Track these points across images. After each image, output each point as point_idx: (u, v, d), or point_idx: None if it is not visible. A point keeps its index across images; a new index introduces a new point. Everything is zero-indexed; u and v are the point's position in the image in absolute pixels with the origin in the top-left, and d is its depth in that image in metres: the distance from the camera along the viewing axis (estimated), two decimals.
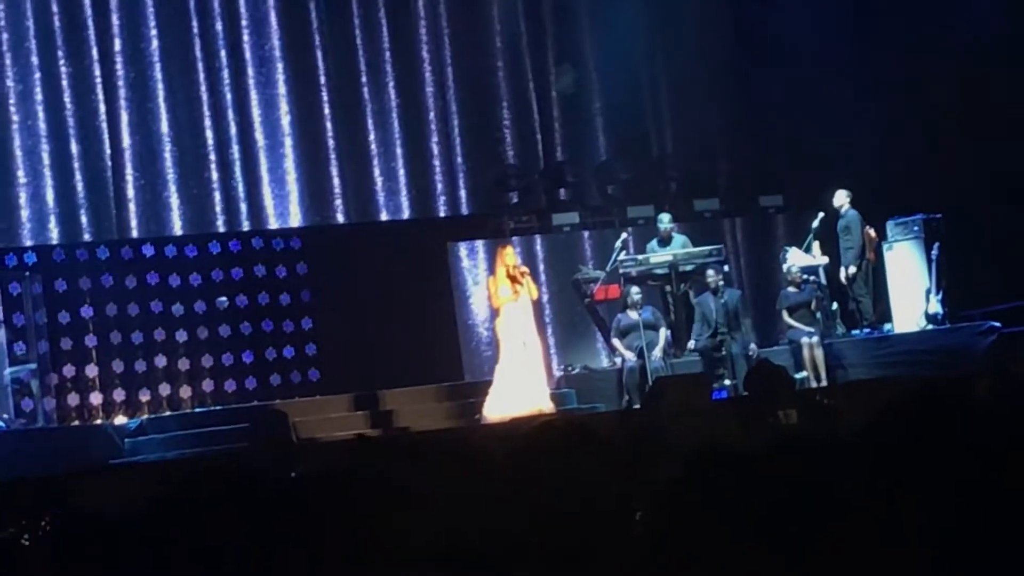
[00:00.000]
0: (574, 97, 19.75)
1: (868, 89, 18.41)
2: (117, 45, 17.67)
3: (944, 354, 15.49)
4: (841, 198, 17.09)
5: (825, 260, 17.19)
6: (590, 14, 19.68)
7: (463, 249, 18.25)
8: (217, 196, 18.04)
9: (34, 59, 17.33)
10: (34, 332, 15.98)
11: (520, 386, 14.72)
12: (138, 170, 17.68)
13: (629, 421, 12.45)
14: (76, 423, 16.75)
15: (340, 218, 18.59)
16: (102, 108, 17.60)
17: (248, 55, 18.26)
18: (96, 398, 17.10)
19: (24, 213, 17.20)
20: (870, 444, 3.72)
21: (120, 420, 16.47)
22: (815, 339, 16.21)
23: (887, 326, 16.84)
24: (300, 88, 18.39)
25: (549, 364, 16.82)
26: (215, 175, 18.03)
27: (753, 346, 16.47)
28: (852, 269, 16.88)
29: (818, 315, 16.67)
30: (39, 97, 17.31)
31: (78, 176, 17.45)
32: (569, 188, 19.32)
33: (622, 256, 16.93)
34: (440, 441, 4.31)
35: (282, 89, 18.35)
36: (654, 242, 17.28)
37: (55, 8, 17.42)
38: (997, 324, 15.45)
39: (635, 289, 16.57)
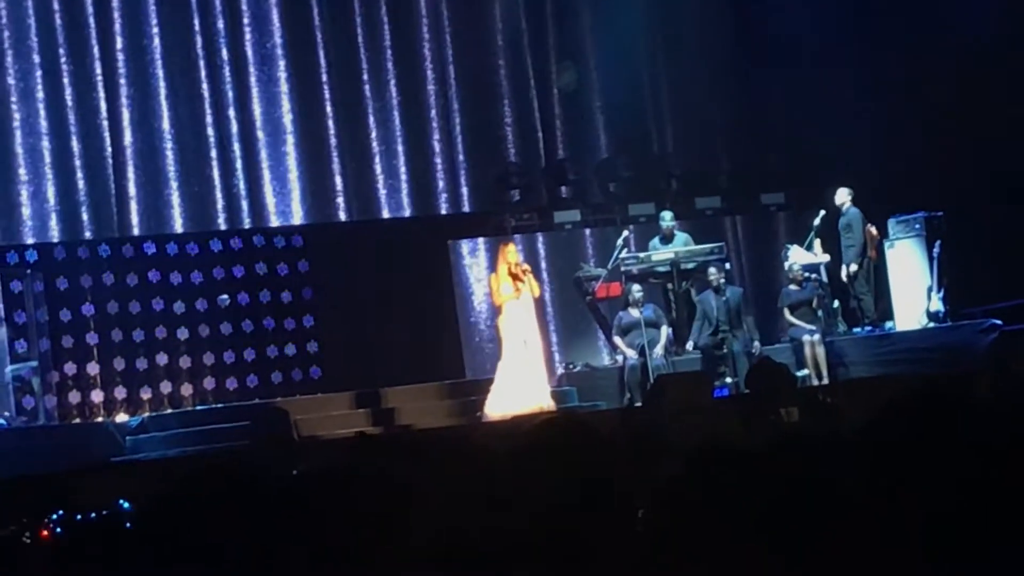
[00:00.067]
0: (575, 95, 19.75)
1: (869, 87, 18.41)
2: (118, 43, 17.66)
3: (945, 352, 15.49)
4: (842, 196, 17.09)
5: (826, 258, 17.18)
6: (592, 12, 19.68)
7: (465, 247, 18.25)
8: (218, 193, 18.03)
9: (35, 57, 17.33)
10: (35, 330, 15.98)
11: (521, 384, 14.72)
12: (139, 168, 17.68)
13: (630, 419, 12.47)
14: (77, 421, 16.76)
15: (342, 216, 18.59)
16: (103, 106, 17.60)
17: (250, 53, 18.26)
18: (97, 396, 17.10)
19: (25, 211, 17.20)
20: (871, 442, 3.72)
21: (121, 418, 16.47)
22: (816, 337, 16.21)
23: (888, 324, 16.83)
24: (302, 86, 18.39)
25: (551, 362, 16.82)
26: (216, 173, 18.03)
27: (756, 344, 16.47)
28: (853, 267, 16.88)
29: (819, 313, 16.67)
30: (40, 95, 17.31)
31: (79, 174, 17.44)
32: (570, 186, 19.31)
33: (623, 254, 16.93)
34: (441, 439, 4.31)
35: (284, 87, 18.34)
36: (656, 240, 17.28)
37: (56, 6, 17.42)
38: (998, 322, 15.44)
39: (636, 287, 16.57)
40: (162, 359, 17.41)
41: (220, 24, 18.15)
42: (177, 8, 17.92)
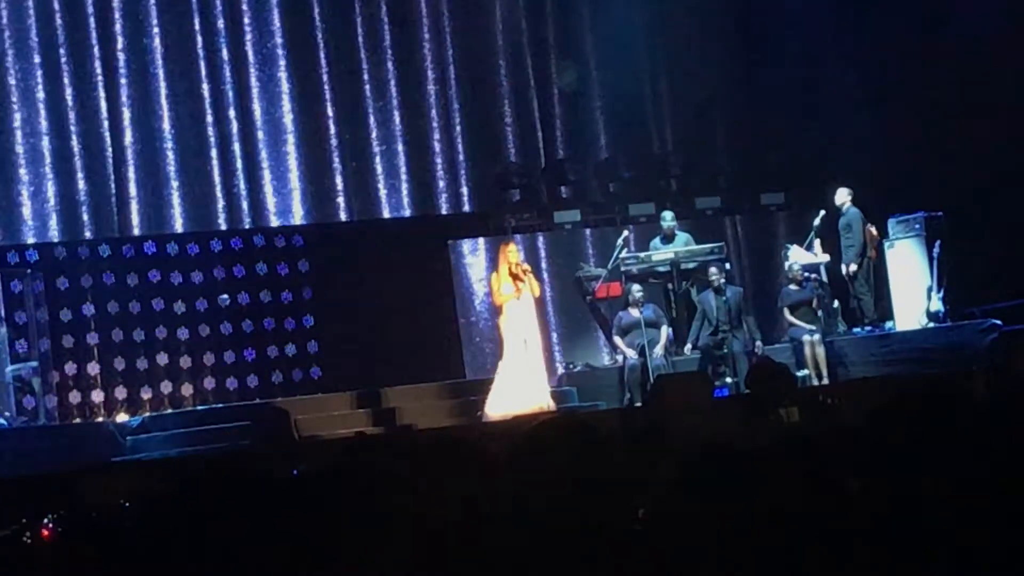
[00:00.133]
0: (576, 95, 19.76)
1: (869, 87, 18.41)
2: (119, 43, 17.68)
3: (945, 352, 15.48)
4: (842, 196, 17.09)
5: (826, 258, 17.19)
6: (592, 12, 19.70)
7: (465, 246, 18.25)
8: (219, 193, 18.05)
9: (36, 57, 17.34)
10: (36, 330, 15.98)
11: (522, 384, 14.71)
12: (140, 167, 17.69)
13: (630, 419, 12.46)
14: (78, 421, 16.75)
15: (342, 216, 18.59)
16: (104, 106, 17.61)
17: (250, 53, 18.27)
18: (98, 396, 17.10)
19: (26, 211, 17.21)
20: (871, 442, 3.72)
21: (122, 418, 16.46)
22: (816, 337, 16.21)
23: (888, 324, 16.83)
24: (302, 86, 18.40)
25: (551, 362, 16.82)
26: (217, 172, 18.04)
27: (759, 343, 16.49)
28: (853, 267, 16.88)
29: (819, 313, 16.67)
30: (41, 95, 17.32)
31: (80, 174, 17.45)
32: (571, 186, 19.33)
33: (623, 254, 16.94)
34: (441, 439, 4.31)
35: (284, 86, 18.36)
36: (657, 240, 17.29)
37: (57, 6, 17.43)
38: (998, 322, 15.43)
39: (636, 287, 16.57)
40: (162, 359, 17.40)
41: (220, 24, 18.16)
42: (177, 8, 17.93)
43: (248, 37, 18.29)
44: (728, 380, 15.93)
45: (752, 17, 19.67)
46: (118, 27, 17.68)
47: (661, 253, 17.02)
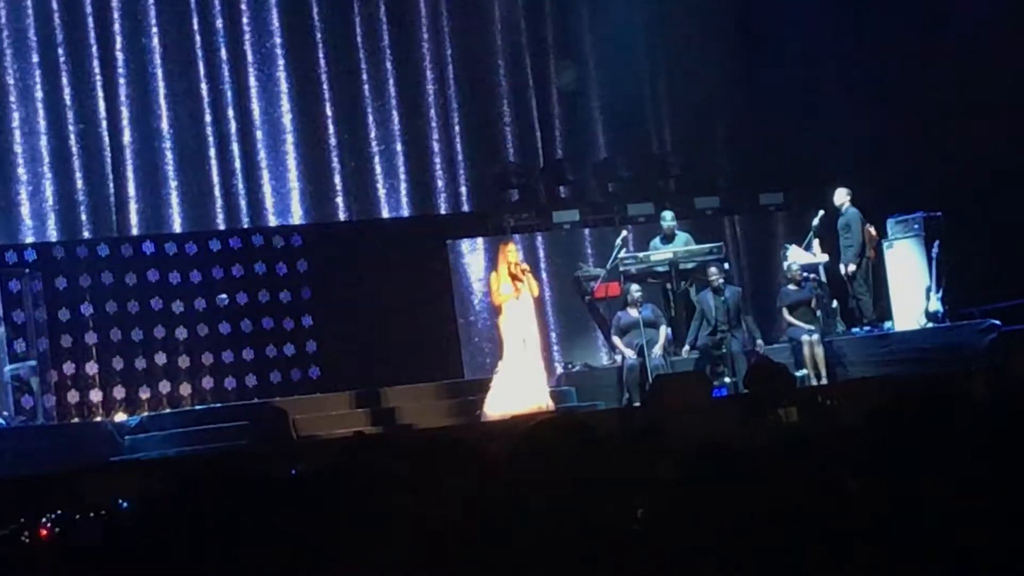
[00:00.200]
0: (574, 95, 19.76)
1: (869, 87, 18.40)
2: (118, 42, 17.67)
3: (944, 352, 15.48)
4: (841, 196, 17.09)
5: (825, 258, 17.18)
6: (591, 12, 19.69)
7: (464, 246, 18.25)
8: (217, 193, 18.04)
9: (34, 57, 17.34)
10: (34, 329, 15.98)
11: (520, 384, 14.71)
12: (138, 167, 17.68)
13: (629, 419, 12.47)
14: (76, 420, 16.74)
15: (341, 215, 18.59)
16: (102, 105, 17.60)
17: (249, 52, 18.26)
18: (96, 395, 17.10)
19: (24, 210, 17.21)
20: (870, 442, 3.72)
21: (120, 417, 16.46)
22: (815, 337, 16.21)
23: (887, 324, 16.83)
24: (301, 85, 18.39)
25: (550, 362, 16.82)
26: (215, 172, 18.04)
27: (759, 342, 16.51)
28: (852, 267, 16.88)
29: (818, 313, 16.67)
30: (39, 94, 17.31)
31: (78, 173, 17.45)
32: (569, 186, 19.33)
33: (622, 254, 16.94)
34: (440, 439, 4.31)
35: (283, 86, 18.35)
36: (657, 239, 17.29)
37: (55, 6, 17.42)
38: (997, 322, 15.43)
39: (635, 287, 16.57)
40: (161, 359, 17.40)
41: (219, 24, 18.15)
42: (176, 8, 17.92)
43: (247, 37, 18.28)
44: (727, 380, 15.93)
45: (752, 17, 19.67)
46: (117, 27, 17.67)
47: (660, 253, 17.02)
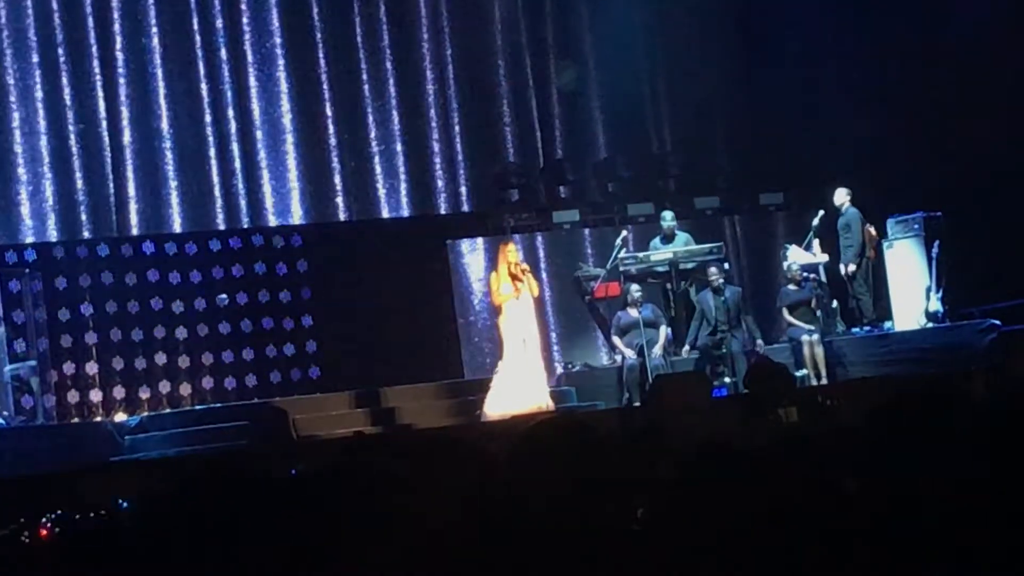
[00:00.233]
0: (574, 95, 19.75)
1: (869, 87, 18.40)
2: (118, 42, 17.67)
3: (944, 352, 15.48)
4: (841, 196, 17.09)
5: (825, 258, 17.18)
6: (591, 11, 19.69)
7: (463, 246, 18.25)
8: (217, 193, 18.03)
9: (34, 57, 17.33)
10: (34, 329, 15.98)
11: (520, 384, 14.71)
12: (138, 167, 17.68)
13: (629, 419, 12.47)
14: (76, 420, 16.75)
15: (341, 215, 18.58)
16: (102, 105, 17.60)
17: (249, 52, 18.26)
18: (96, 395, 17.10)
19: (24, 210, 17.20)
20: (870, 441, 3.72)
21: (120, 417, 16.46)
22: (815, 337, 16.21)
23: (887, 324, 16.83)
24: (301, 85, 18.39)
25: (550, 362, 16.82)
26: (215, 172, 18.03)
27: (760, 342, 16.52)
28: (852, 267, 16.88)
29: (818, 313, 16.66)
30: (39, 94, 17.31)
31: (78, 173, 17.45)
32: (569, 186, 19.33)
33: (622, 254, 16.93)
34: (439, 438, 4.31)
35: (283, 86, 18.34)
36: (657, 239, 17.28)
37: (55, 6, 17.42)
38: (997, 322, 15.43)
39: (635, 287, 16.57)
40: (161, 359, 17.41)
41: (219, 24, 18.15)
42: (176, 8, 17.92)
43: (247, 37, 18.27)
44: (727, 380, 15.93)
45: (751, 17, 19.66)
46: (117, 27, 17.67)
47: (660, 253, 17.02)
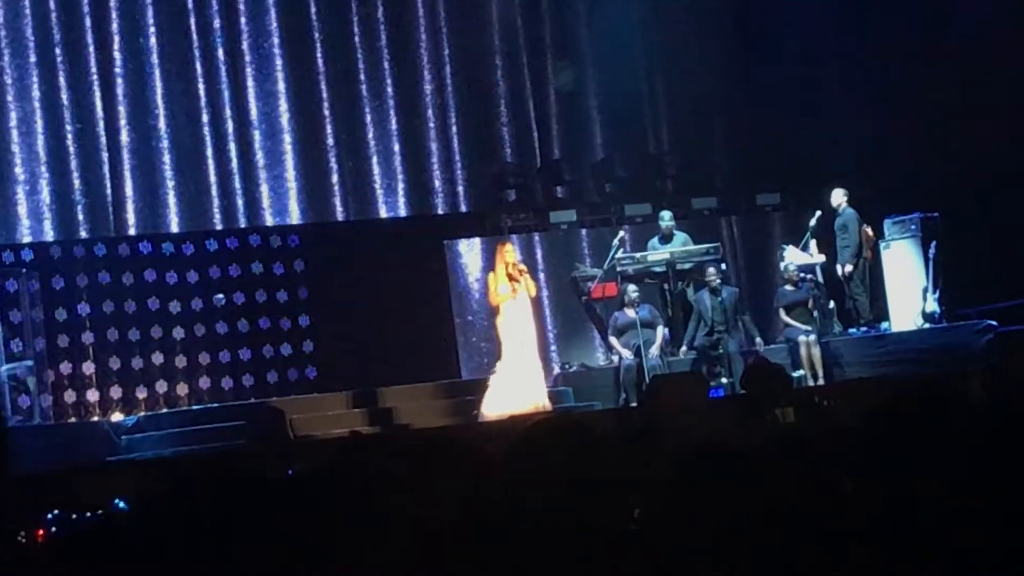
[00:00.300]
0: (572, 95, 19.75)
1: (865, 87, 18.39)
2: (115, 42, 17.66)
3: (941, 353, 15.48)
4: (838, 196, 17.09)
5: (822, 258, 17.19)
6: (588, 11, 19.69)
7: (461, 246, 18.25)
8: (215, 193, 18.02)
9: (32, 56, 17.32)
10: (31, 329, 15.95)
11: (518, 384, 14.71)
12: (135, 167, 17.66)
13: (626, 419, 12.47)
14: (73, 420, 16.74)
15: (338, 215, 18.58)
16: (99, 105, 17.58)
17: (246, 52, 18.25)
18: (93, 395, 17.09)
19: (21, 209, 17.19)
20: (867, 442, 3.72)
21: (117, 417, 16.46)
22: (812, 337, 16.21)
23: (884, 325, 16.83)
24: (298, 85, 18.38)
25: (547, 362, 16.82)
26: (213, 172, 18.02)
27: (759, 340, 16.52)
28: (849, 267, 16.88)
29: (815, 313, 16.66)
30: (36, 94, 17.30)
31: (75, 173, 17.43)
32: (566, 186, 19.33)
33: (619, 254, 16.93)
34: (437, 438, 4.30)
35: (280, 86, 18.33)
36: (655, 239, 17.28)
37: (52, 6, 17.41)
38: (994, 323, 15.44)
39: (632, 287, 16.57)
40: (158, 358, 17.40)
41: (217, 23, 18.14)
42: (174, 7, 17.91)
43: (244, 37, 18.26)
44: (723, 380, 15.93)
45: (750, 16, 19.66)
46: (114, 26, 17.66)
47: (657, 253, 17.02)
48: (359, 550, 3.31)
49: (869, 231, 16.97)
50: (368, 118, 18.78)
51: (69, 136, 17.41)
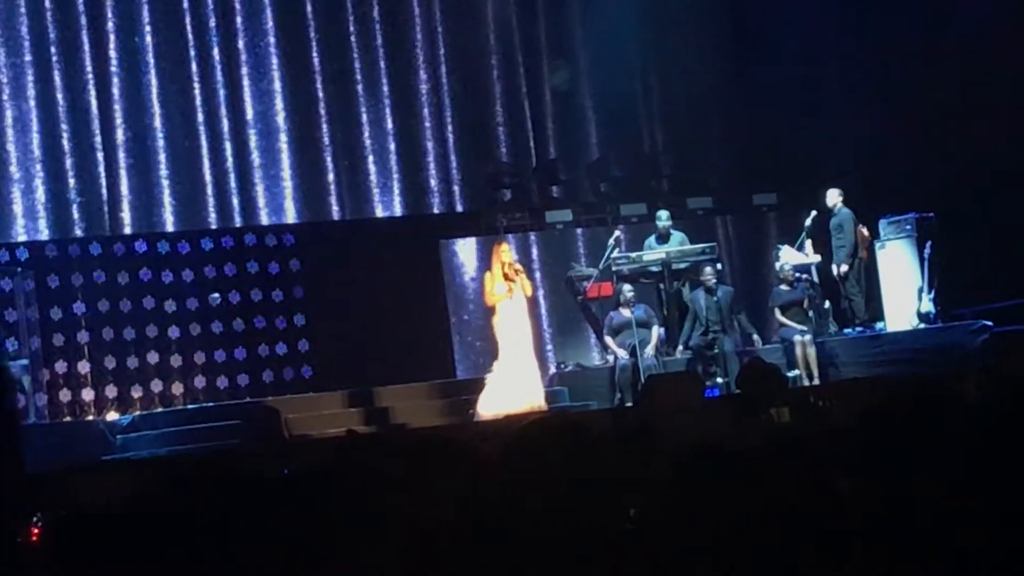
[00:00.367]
0: (567, 95, 19.76)
1: (865, 87, 18.39)
2: (110, 40, 17.65)
3: (936, 353, 15.49)
4: (834, 197, 17.10)
5: (817, 258, 17.19)
6: (583, 11, 19.70)
7: (456, 246, 18.24)
8: (210, 192, 18.02)
9: (27, 55, 17.31)
10: (26, 328, 15.95)
11: (514, 383, 14.72)
12: (131, 166, 17.66)
13: (621, 419, 12.46)
14: (68, 419, 16.73)
15: (334, 215, 18.57)
16: (95, 104, 17.57)
17: (242, 51, 18.25)
18: (88, 394, 17.08)
19: (17, 208, 17.18)
20: (862, 442, 3.72)
21: (112, 416, 16.46)
22: (807, 337, 16.22)
23: (879, 325, 16.84)
24: (294, 84, 18.38)
25: (543, 361, 16.82)
26: (208, 171, 18.01)
27: (756, 337, 16.54)
28: (844, 267, 16.89)
29: (810, 313, 16.67)
30: (31, 92, 17.29)
31: (71, 172, 17.42)
32: (562, 185, 19.34)
33: (615, 254, 16.94)
34: (432, 438, 4.30)
35: (276, 85, 18.33)
36: (652, 238, 17.28)
37: (48, 4, 17.40)
38: (989, 323, 15.45)
39: (627, 287, 16.58)
40: (153, 358, 17.39)
41: (212, 23, 18.13)
42: (169, 6, 17.90)
43: (240, 36, 18.26)
44: (719, 380, 15.94)
45: (748, 15, 19.65)
46: (110, 25, 17.65)
47: (652, 253, 17.02)
48: (354, 549, 3.31)
49: (864, 231, 16.97)
50: (364, 117, 18.78)
51: (64, 135, 17.40)
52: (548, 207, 18.84)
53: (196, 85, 17.98)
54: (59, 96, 17.39)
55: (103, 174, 17.55)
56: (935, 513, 3.32)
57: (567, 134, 19.81)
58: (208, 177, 18.00)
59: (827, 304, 17.18)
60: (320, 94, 18.51)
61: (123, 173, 17.61)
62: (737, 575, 3.27)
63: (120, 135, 17.62)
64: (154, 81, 17.77)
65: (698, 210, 18.96)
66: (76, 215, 17.42)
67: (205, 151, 17.99)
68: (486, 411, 14.59)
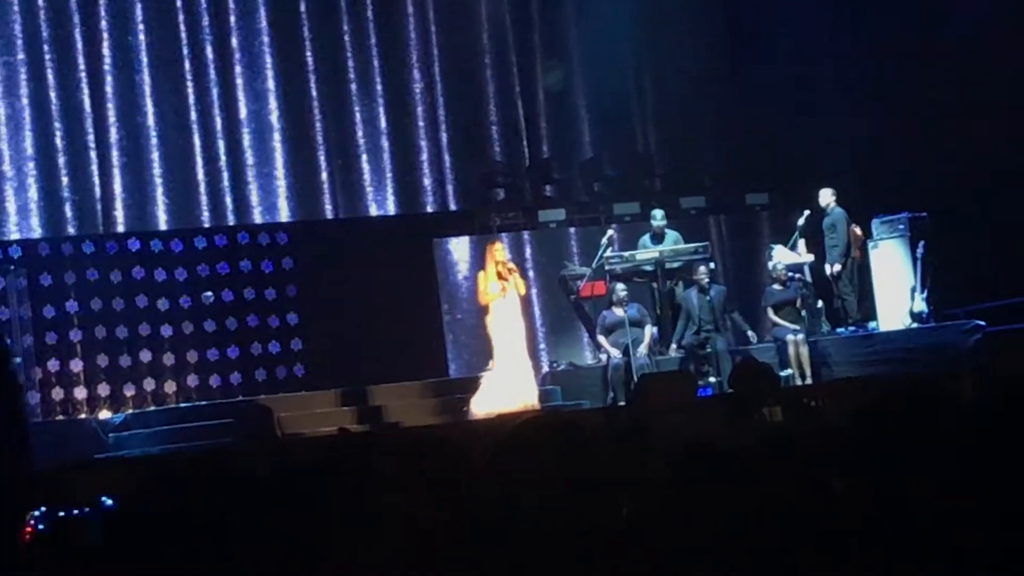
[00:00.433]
0: (561, 94, 19.76)
1: (860, 86, 18.39)
2: (104, 39, 17.63)
3: (929, 352, 15.51)
4: (827, 196, 17.11)
5: (811, 258, 17.21)
6: (577, 11, 19.70)
7: (450, 245, 18.25)
8: (203, 190, 18.01)
9: (20, 54, 17.29)
10: (18, 326, 15.93)
11: (508, 382, 14.72)
12: (124, 164, 17.64)
13: (614, 418, 12.47)
14: (60, 418, 16.71)
15: (327, 213, 18.57)
16: (88, 102, 17.56)
17: (236, 50, 18.24)
18: (80, 393, 17.06)
19: (9, 207, 17.17)
20: (855, 441, 3.73)
21: (104, 415, 16.43)
22: (800, 337, 16.23)
23: (872, 324, 16.85)
24: (288, 83, 18.37)
25: (536, 360, 16.82)
26: (201, 169, 18.00)
27: (751, 334, 16.55)
28: (837, 267, 16.90)
29: (803, 313, 16.68)
30: (24, 91, 17.27)
31: (64, 170, 17.41)
32: (555, 185, 19.34)
33: (608, 253, 16.94)
34: (425, 437, 4.30)
35: (270, 84, 18.32)
36: (646, 237, 17.28)
37: (41, 3, 17.38)
38: (982, 323, 15.47)
39: (620, 286, 16.58)
40: (146, 356, 17.37)
41: (205, 21, 18.12)
42: (163, 4, 17.89)
43: (234, 34, 18.25)
44: (711, 379, 15.94)
45: (742, 14, 19.65)
46: (103, 23, 17.64)
47: (645, 252, 17.02)
48: (347, 548, 3.31)
49: (857, 231, 16.99)
50: (357, 116, 18.77)
51: (58, 133, 17.39)
52: (541, 206, 18.84)
53: (189, 84, 17.97)
54: (52, 94, 17.38)
55: (96, 172, 17.54)
56: (928, 513, 3.32)
57: (561, 133, 19.81)
58: (201, 175, 17.99)
59: (820, 303, 17.20)
60: (313, 93, 18.51)
61: (116, 171, 17.60)
62: (730, 575, 3.28)
63: (113, 133, 17.60)
64: (147, 80, 17.76)
65: (691, 209, 18.97)
66: (69, 213, 17.41)
67: (198, 150, 17.98)
68: (479, 410, 14.59)
